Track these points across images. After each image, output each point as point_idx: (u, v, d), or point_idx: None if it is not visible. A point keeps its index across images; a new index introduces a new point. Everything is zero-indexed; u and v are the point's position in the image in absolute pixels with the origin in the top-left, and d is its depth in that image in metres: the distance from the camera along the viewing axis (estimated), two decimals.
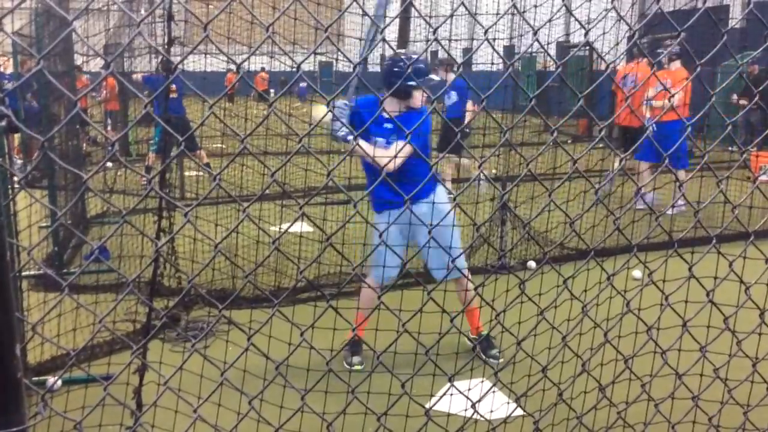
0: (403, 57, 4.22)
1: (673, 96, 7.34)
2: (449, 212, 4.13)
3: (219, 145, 12.48)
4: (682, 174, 8.18)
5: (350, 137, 3.96)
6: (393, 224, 3.93)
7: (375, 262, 4.15)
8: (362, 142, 4.02)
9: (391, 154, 3.89)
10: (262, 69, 19.79)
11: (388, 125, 4.08)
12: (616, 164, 9.45)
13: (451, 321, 1.87)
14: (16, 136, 10.65)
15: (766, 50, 2.09)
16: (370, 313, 4.14)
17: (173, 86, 9.43)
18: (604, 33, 6.40)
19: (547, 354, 2.46)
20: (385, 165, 3.68)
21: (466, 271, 4.32)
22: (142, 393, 2.80)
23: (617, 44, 7.75)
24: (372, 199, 4.31)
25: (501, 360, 4.22)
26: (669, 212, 7.68)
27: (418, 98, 4.07)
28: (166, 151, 6.33)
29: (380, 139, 4.14)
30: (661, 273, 2.09)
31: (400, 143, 3.96)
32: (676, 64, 8.63)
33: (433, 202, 4.00)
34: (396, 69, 4.07)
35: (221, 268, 5.39)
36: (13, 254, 3.45)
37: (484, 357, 4.18)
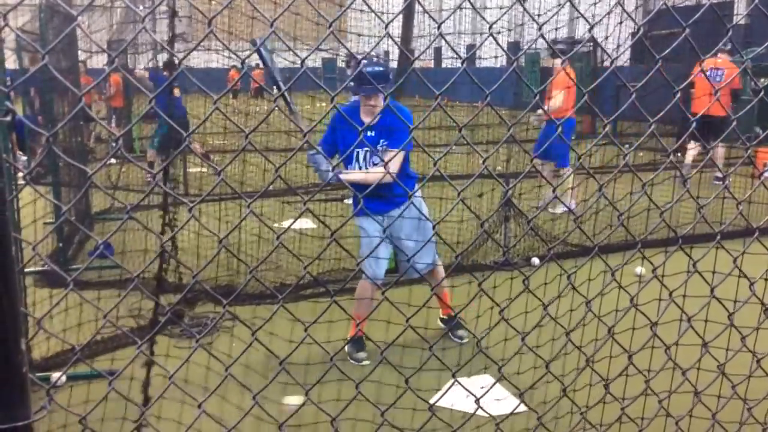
0: (363, 60, 4.35)
1: (536, 92, 7.36)
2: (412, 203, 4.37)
3: (222, 141, 12.51)
4: (566, 172, 8.20)
5: (332, 175, 4.01)
6: (375, 228, 4.20)
7: (365, 263, 4.29)
8: (351, 174, 4.10)
9: (382, 169, 3.98)
10: (257, 65, 19.71)
11: (371, 132, 4.12)
12: (691, 152, 9.55)
13: (455, 317, 1.88)
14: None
15: None
16: (371, 310, 4.18)
17: (176, 84, 9.44)
18: (615, 26, 6.36)
19: (551, 349, 2.47)
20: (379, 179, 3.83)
21: (438, 260, 4.55)
22: (149, 388, 2.81)
23: (617, 43, 7.72)
24: (353, 206, 4.45)
25: (466, 341, 4.45)
26: (558, 211, 7.73)
27: (365, 101, 4.14)
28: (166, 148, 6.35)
29: (361, 151, 4.16)
30: (663, 269, 2.09)
31: (391, 152, 4.01)
32: (558, 63, 8.38)
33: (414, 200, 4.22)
34: (360, 71, 4.14)
35: (225, 264, 5.41)
36: (17, 250, 3.46)
37: (451, 336, 4.46)
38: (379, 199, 4.14)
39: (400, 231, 4.24)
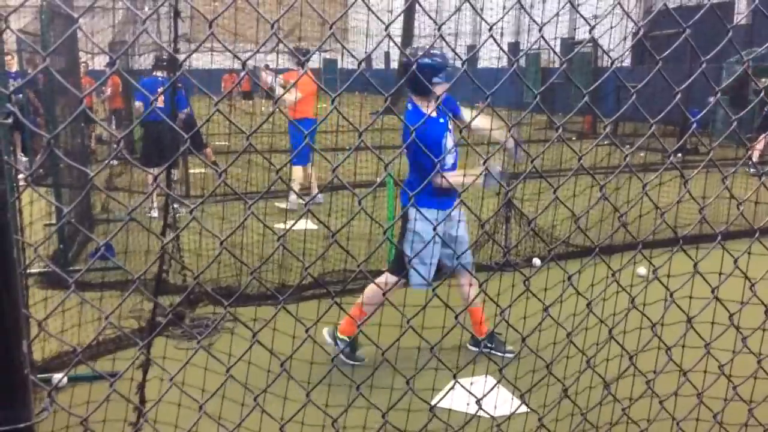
0: (420, 53, 4.11)
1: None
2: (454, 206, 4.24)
3: (224, 143, 12.51)
4: (297, 170, 8.39)
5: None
6: (432, 225, 3.93)
7: (420, 261, 3.98)
8: (453, 178, 3.98)
9: (465, 177, 3.86)
10: (255, 67, 19.68)
11: (441, 120, 4.06)
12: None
13: (456, 318, 1.87)
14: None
15: None
16: (374, 310, 4.14)
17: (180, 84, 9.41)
18: (612, 27, 6.37)
19: (552, 350, 2.46)
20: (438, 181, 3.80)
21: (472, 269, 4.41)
22: (146, 389, 2.81)
23: (624, 40, 7.72)
24: (421, 194, 3.99)
25: (512, 354, 4.22)
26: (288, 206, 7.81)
27: (440, 92, 3.99)
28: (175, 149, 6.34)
29: (443, 137, 4.09)
30: (665, 269, 2.09)
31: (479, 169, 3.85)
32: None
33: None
34: (418, 67, 3.98)
35: (227, 265, 5.41)
36: (18, 251, 3.46)
37: (498, 354, 4.21)
38: (446, 192, 3.96)
39: (455, 228, 4.08)
